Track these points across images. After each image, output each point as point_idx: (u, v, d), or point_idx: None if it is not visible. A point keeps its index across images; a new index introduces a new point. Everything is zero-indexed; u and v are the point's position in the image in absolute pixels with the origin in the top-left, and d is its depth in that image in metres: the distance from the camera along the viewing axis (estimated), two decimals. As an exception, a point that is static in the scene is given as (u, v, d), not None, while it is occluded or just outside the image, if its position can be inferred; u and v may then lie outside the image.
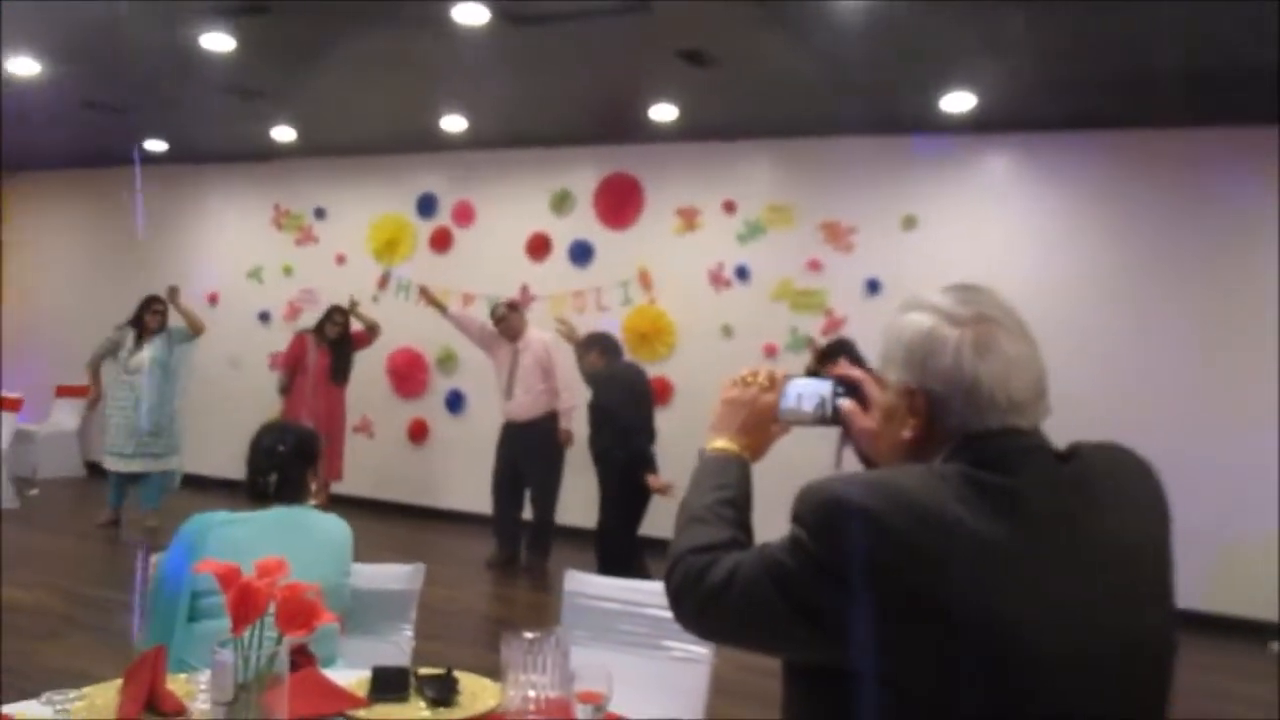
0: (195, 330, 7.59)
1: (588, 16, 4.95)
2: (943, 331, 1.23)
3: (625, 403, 5.89)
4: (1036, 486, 1.16)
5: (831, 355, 5.39)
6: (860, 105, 6.21)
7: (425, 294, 7.71)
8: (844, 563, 1.12)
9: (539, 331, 7.00)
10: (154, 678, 1.85)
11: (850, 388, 1.44)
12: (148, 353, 7.33)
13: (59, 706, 1.76)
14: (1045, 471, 1.19)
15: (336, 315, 7.66)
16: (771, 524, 1.41)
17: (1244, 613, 5.92)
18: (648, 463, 5.81)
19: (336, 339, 7.62)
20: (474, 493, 7.81)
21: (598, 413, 5.94)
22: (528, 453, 6.82)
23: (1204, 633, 5.41)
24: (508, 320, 6.95)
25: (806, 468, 1.71)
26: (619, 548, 5.82)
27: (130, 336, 7.37)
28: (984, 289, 1.28)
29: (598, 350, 6.20)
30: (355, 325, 7.74)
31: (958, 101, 6.10)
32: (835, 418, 1.45)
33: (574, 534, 6.85)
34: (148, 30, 5.37)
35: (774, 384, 1.53)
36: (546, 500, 6.85)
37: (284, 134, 8.05)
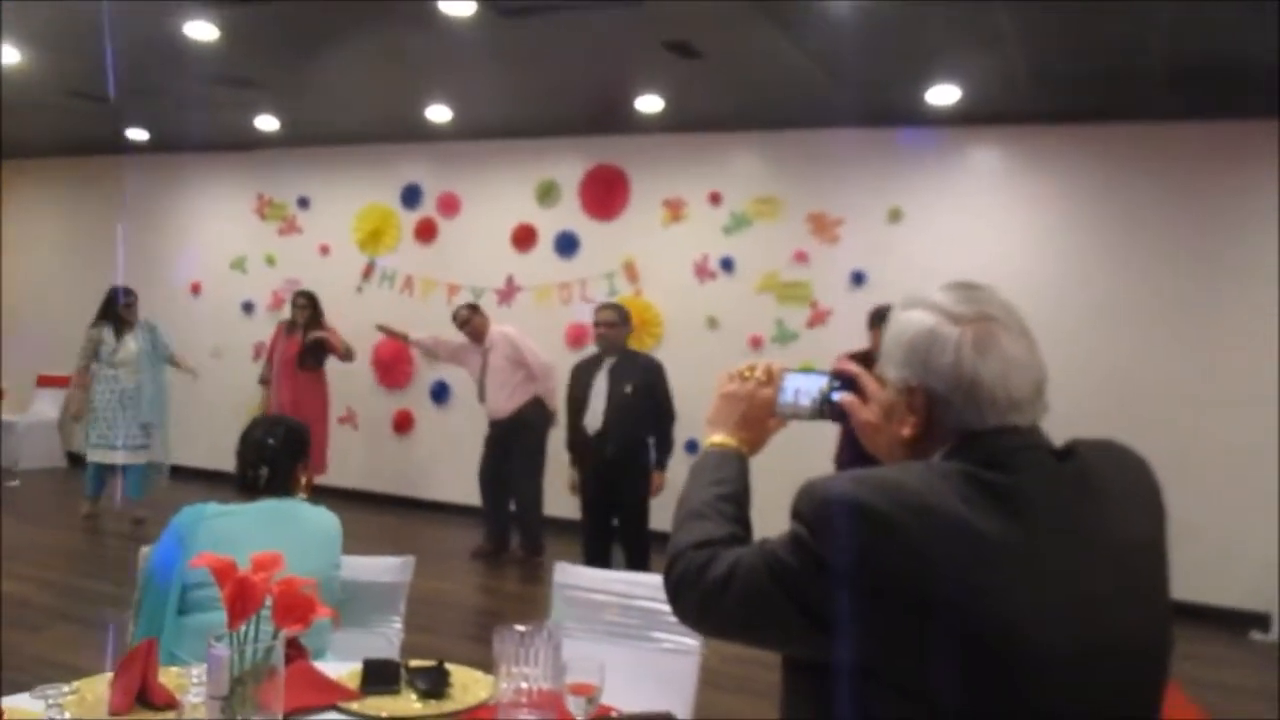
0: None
1: (574, 8, 4.93)
2: (943, 330, 1.24)
3: (666, 385, 5.72)
4: (1035, 484, 1.17)
5: (878, 323, 5.25)
6: (847, 97, 6.21)
7: (385, 330, 7.69)
8: (844, 560, 1.12)
9: (499, 326, 6.98)
10: (145, 671, 1.85)
11: (847, 382, 1.44)
12: (134, 345, 7.29)
13: (51, 700, 1.75)
14: (1044, 469, 1.20)
15: (299, 299, 7.65)
16: (770, 519, 1.41)
17: (1225, 602, 5.97)
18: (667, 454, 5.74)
19: (304, 325, 7.59)
20: (459, 484, 7.81)
21: (645, 394, 5.65)
22: (509, 449, 6.81)
23: (1187, 622, 5.46)
24: (471, 322, 6.98)
25: (805, 463, 1.72)
26: (642, 536, 5.66)
27: (108, 331, 7.31)
28: (984, 287, 1.29)
29: (630, 327, 5.99)
30: (334, 331, 7.68)
31: (944, 94, 6.11)
32: (833, 412, 1.46)
33: (562, 525, 6.85)
34: (132, 19, 5.31)
35: (771, 378, 1.53)
36: (532, 494, 6.84)
37: (267, 123, 8.00)
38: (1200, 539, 5.45)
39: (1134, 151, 6.45)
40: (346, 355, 7.71)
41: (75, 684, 1.90)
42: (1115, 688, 1.16)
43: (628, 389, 5.65)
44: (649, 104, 6.78)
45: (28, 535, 6.91)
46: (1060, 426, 1.29)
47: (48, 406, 9.68)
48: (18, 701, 1.80)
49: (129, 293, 7.42)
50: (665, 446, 5.72)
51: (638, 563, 5.60)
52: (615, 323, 5.83)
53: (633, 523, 5.74)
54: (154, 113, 7.97)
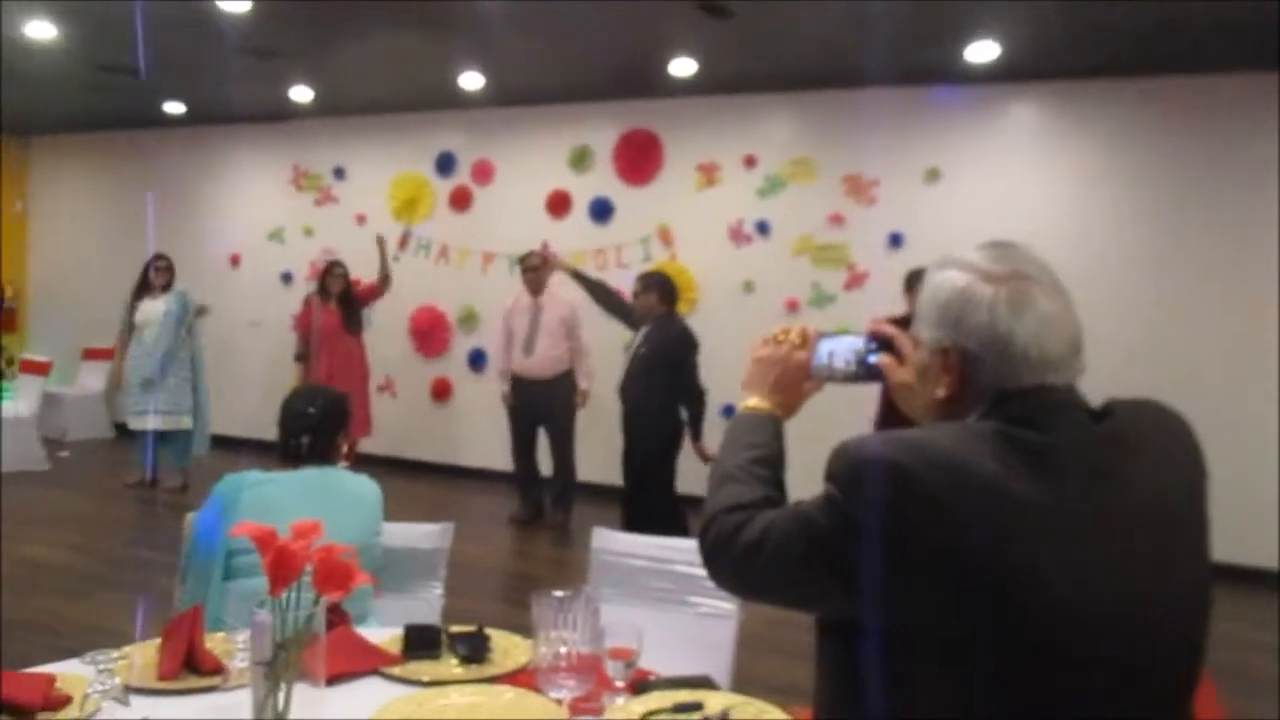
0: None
1: (606, -30, 4.89)
2: (977, 289, 1.22)
3: (692, 359, 5.69)
4: (1071, 444, 1.16)
5: (914, 285, 5.18)
6: (882, 56, 6.12)
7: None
8: (877, 520, 1.12)
9: (565, 291, 6.90)
10: (192, 636, 1.88)
11: (883, 343, 1.43)
12: (159, 309, 7.36)
13: (101, 666, 1.79)
14: (1080, 429, 1.18)
15: (336, 269, 7.64)
16: (804, 482, 1.41)
17: (1261, 563, 5.90)
18: (697, 425, 5.68)
19: (340, 294, 7.61)
20: (497, 450, 7.86)
21: (658, 361, 5.65)
22: (548, 409, 6.83)
23: (1222, 582, 5.40)
24: (539, 272, 6.85)
25: (841, 427, 1.70)
26: (660, 505, 5.60)
27: (139, 299, 7.41)
28: (1019, 245, 1.27)
29: (657, 294, 5.86)
30: (366, 279, 7.71)
31: (982, 51, 6.01)
32: (868, 374, 1.45)
33: (595, 490, 6.88)
34: (164, -9, 5.35)
35: (806, 341, 1.53)
36: (567, 457, 6.88)
37: (302, 94, 8.02)
38: (1247, 498, 5.38)
39: (1176, 105, 6.32)
40: (384, 283, 7.67)
41: (124, 649, 1.94)
42: (1152, 648, 1.15)
43: (643, 350, 5.74)
44: (682, 67, 6.73)
45: (75, 504, 7.06)
46: (1099, 385, 1.27)
47: (93, 378, 9.85)
48: (68, 667, 1.84)
49: (159, 258, 7.51)
50: (694, 417, 5.68)
51: (630, 522, 5.54)
52: (638, 292, 5.92)
53: (629, 482, 5.81)
54: (188, 86, 8.03)
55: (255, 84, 7.72)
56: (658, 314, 5.82)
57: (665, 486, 5.69)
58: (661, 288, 5.89)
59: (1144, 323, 6.30)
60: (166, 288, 7.45)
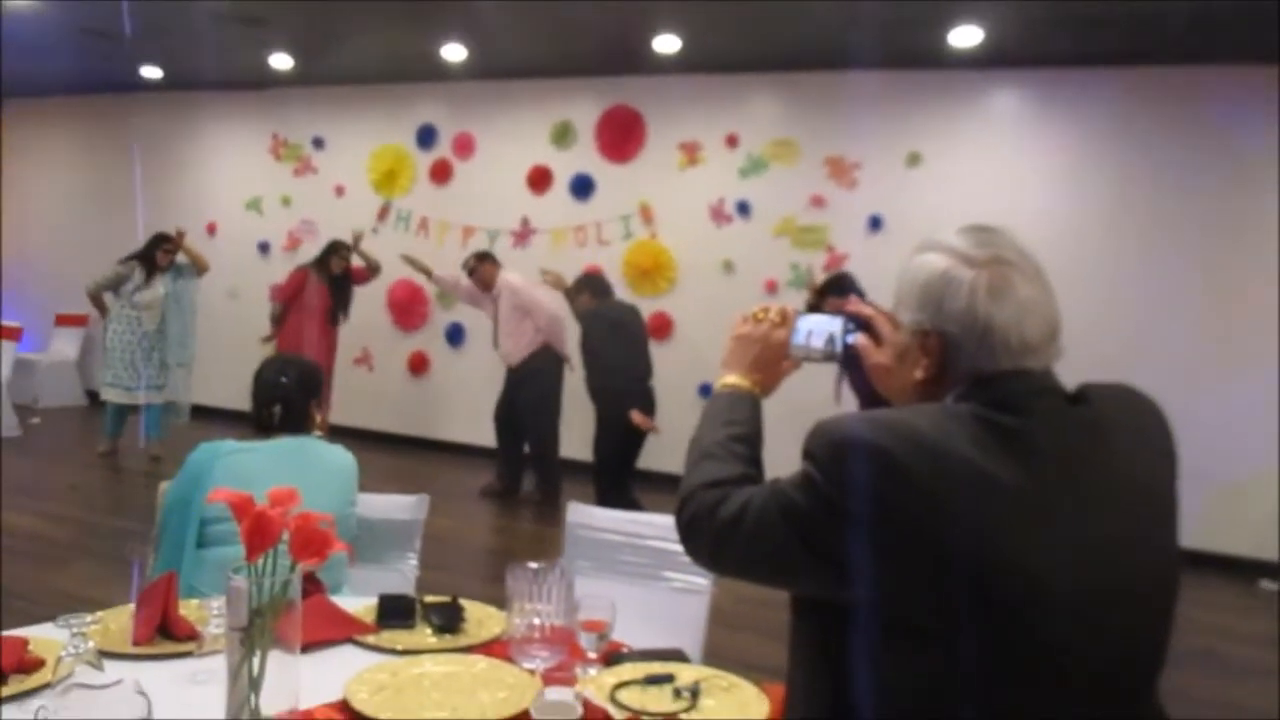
0: (200, 269, 7.61)
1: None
2: (958, 273, 1.24)
3: (611, 341, 5.94)
4: (1046, 427, 1.17)
5: (830, 290, 5.39)
6: (867, 39, 6.12)
7: (410, 261, 7.61)
8: (854, 500, 1.13)
9: (506, 274, 6.96)
10: (166, 603, 1.89)
11: (861, 324, 1.44)
12: (162, 288, 7.33)
13: (75, 630, 1.79)
14: (1055, 413, 1.20)
15: (342, 250, 7.57)
16: (781, 459, 1.42)
17: (1236, 551, 5.99)
18: (640, 399, 5.87)
19: (340, 276, 7.56)
20: (474, 425, 7.87)
21: (587, 352, 6.06)
22: (522, 396, 6.87)
23: (1197, 570, 5.49)
24: (478, 271, 7.01)
25: (814, 404, 1.72)
26: (612, 482, 5.95)
27: (138, 271, 7.32)
28: (1000, 230, 1.28)
29: (588, 292, 6.26)
30: (356, 262, 7.68)
31: (965, 36, 6.02)
32: (845, 354, 1.46)
33: (577, 467, 6.90)
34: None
35: (785, 320, 1.54)
36: (544, 439, 6.89)
37: (282, 62, 7.94)
38: (1212, 486, 5.46)
39: (1156, 95, 6.35)
40: (374, 271, 7.73)
41: (98, 614, 1.94)
42: (1122, 630, 1.17)
43: (590, 344, 6.11)
44: (666, 44, 6.70)
45: (48, 472, 7.01)
46: (1076, 371, 1.28)
47: (67, 345, 9.77)
48: (43, 632, 1.84)
49: (167, 239, 7.44)
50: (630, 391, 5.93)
51: (600, 499, 5.76)
52: (572, 297, 6.38)
53: (596, 462, 6.15)
54: (166, 51, 7.93)
55: (235, 51, 7.64)
56: (592, 309, 6.13)
57: (620, 464, 5.99)
58: (590, 285, 6.31)
59: (1122, 308, 6.34)
60: (169, 268, 7.40)
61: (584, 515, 2.77)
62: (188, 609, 1.96)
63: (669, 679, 1.76)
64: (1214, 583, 5.62)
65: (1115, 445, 1.22)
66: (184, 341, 7.52)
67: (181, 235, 7.52)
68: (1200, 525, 5.65)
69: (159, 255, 7.36)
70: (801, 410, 1.97)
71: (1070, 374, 1.26)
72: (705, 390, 6.59)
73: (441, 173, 8.48)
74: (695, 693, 1.71)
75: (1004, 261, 1.23)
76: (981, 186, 6.70)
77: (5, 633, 1.78)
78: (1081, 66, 6.44)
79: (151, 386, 7.35)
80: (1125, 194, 6.46)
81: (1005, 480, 1.12)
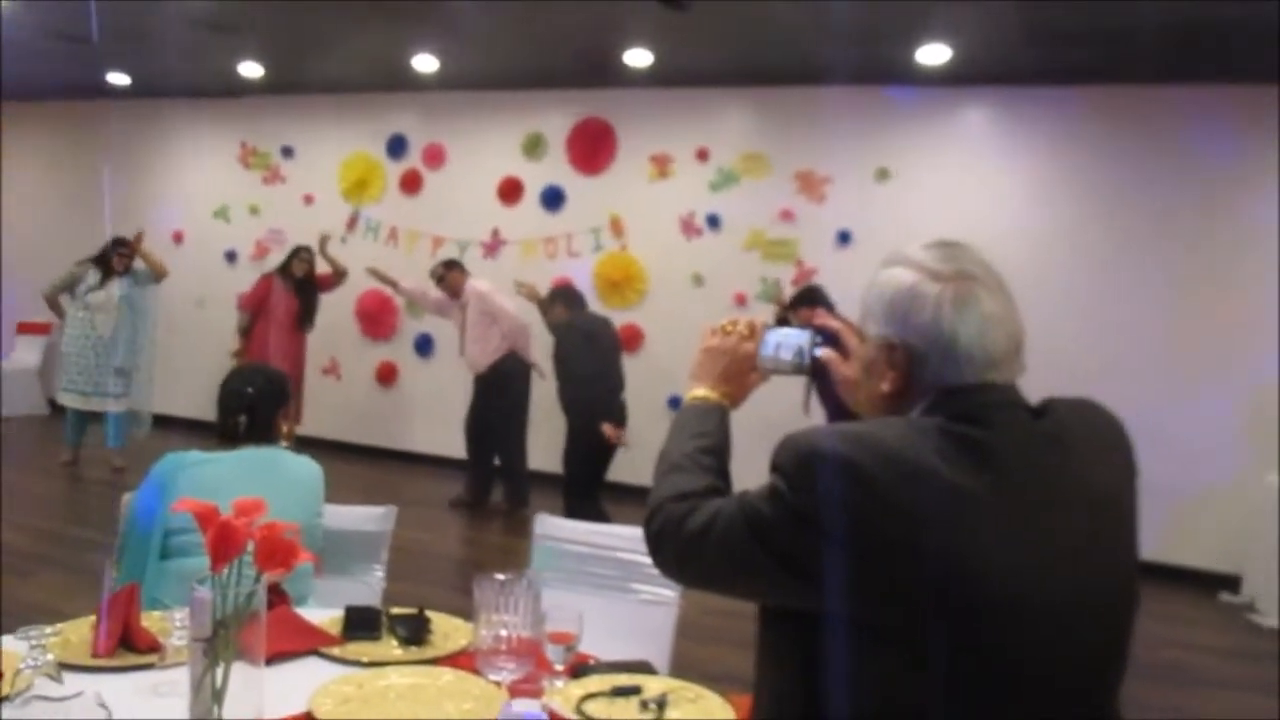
0: (158, 275, 7.52)
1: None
2: (924, 287, 1.25)
3: (584, 352, 5.92)
4: (1010, 440, 1.19)
5: (800, 303, 5.43)
6: (838, 54, 6.16)
7: (376, 273, 7.60)
8: (821, 512, 1.14)
9: (473, 282, 6.99)
10: (128, 614, 1.86)
11: (829, 337, 1.46)
12: (116, 290, 7.24)
13: (35, 642, 1.76)
14: (1019, 425, 1.22)
15: (303, 253, 7.57)
16: (750, 471, 1.43)
17: (1196, 563, 6.06)
18: (612, 411, 5.84)
19: (303, 279, 7.53)
20: (442, 436, 7.83)
21: (559, 364, 6.03)
22: (489, 403, 6.86)
23: (1159, 583, 5.56)
24: (446, 279, 7.03)
25: (783, 417, 1.73)
26: (581, 494, 5.89)
27: (93, 273, 7.25)
28: (965, 245, 1.30)
29: (561, 303, 6.25)
30: (322, 268, 7.65)
31: (935, 54, 6.07)
32: (813, 367, 1.48)
33: (546, 479, 6.88)
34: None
35: (754, 333, 1.55)
36: (511, 448, 6.88)
37: (251, 70, 7.89)
38: (1174, 499, 5.53)
39: (1125, 114, 6.43)
40: (340, 276, 7.72)
41: (59, 626, 1.91)
42: (1084, 640, 1.19)
43: (562, 354, 6.05)
44: (638, 57, 6.72)
45: (10, 482, 6.90)
46: (1041, 385, 1.30)
47: (28, 353, 9.63)
48: (2, 643, 1.81)
49: (124, 243, 7.35)
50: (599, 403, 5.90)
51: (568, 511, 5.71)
52: (546, 309, 6.41)
53: (566, 474, 6.10)
54: (134, 57, 7.86)
55: (204, 58, 7.58)
56: (566, 321, 6.12)
57: (589, 475, 5.92)
58: (563, 297, 6.30)
59: (1090, 324, 6.40)
60: (125, 272, 7.32)
61: (552, 527, 2.77)
62: (150, 620, 1.94)
63: (636, 691, 1.76)
64: (1174, 595, 5.67)
65: (1077, 457, 1.23)
66: (135, 347, 7.39)
67: (139, 239, 7.43)
68: (1161, 538, 5.74)
69: (115, 259, 7.28)
70: (770, 423, 1.98)
71: (1035, 388, 1.28)
72: (674, 402, 6.60)
73: (412, 183, 8.46)
74: (662, 704, 1.72)
75: (969, 276, 1.25)
76: (949, 202, 6.76)
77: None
78: (1049, 84, 6.52)
79: (112, 394, 7.26)
80: (1092, 210, 6.53)
81: (970, 491, 1.14)
